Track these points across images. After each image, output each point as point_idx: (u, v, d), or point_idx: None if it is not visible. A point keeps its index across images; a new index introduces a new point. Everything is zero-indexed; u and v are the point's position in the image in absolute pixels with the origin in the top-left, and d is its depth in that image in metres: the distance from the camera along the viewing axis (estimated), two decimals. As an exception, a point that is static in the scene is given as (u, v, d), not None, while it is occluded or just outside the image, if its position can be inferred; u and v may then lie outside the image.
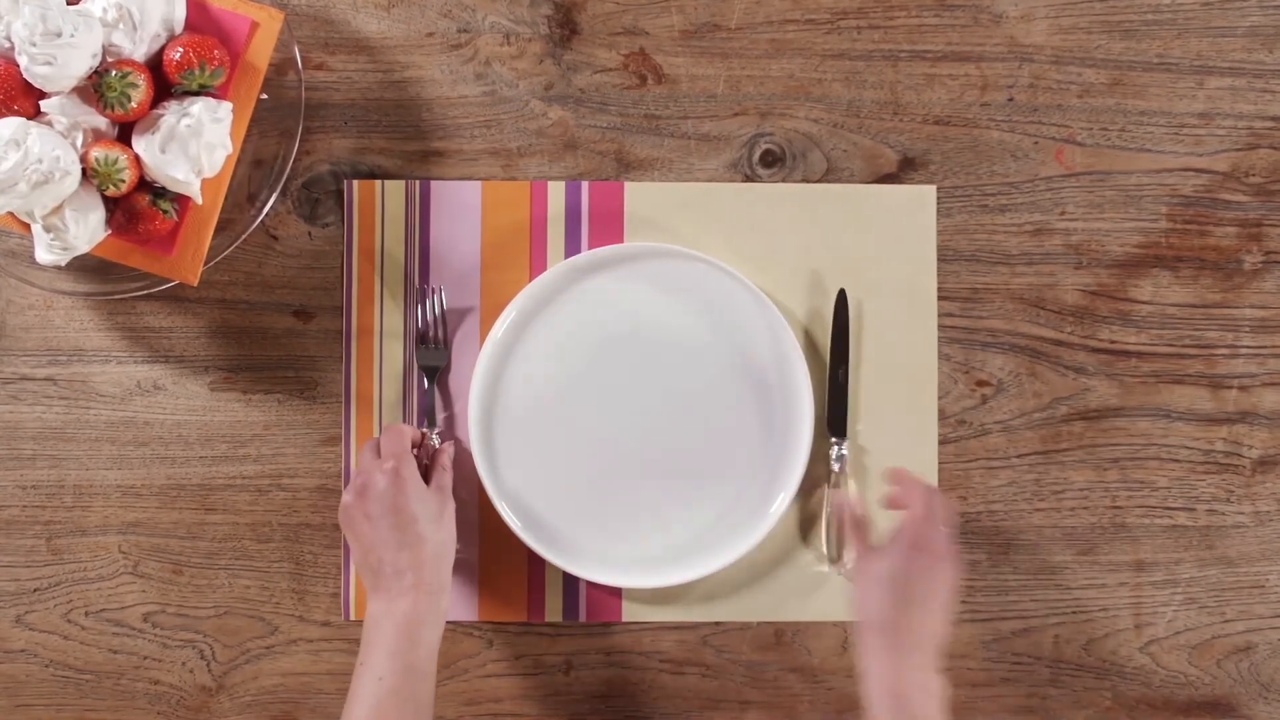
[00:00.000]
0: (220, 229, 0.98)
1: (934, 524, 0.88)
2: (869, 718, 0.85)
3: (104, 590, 1.02)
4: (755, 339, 1.01)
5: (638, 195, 1.02)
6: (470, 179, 1.02)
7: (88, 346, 1.02)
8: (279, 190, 1.00)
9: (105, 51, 0.90)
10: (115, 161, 0.90)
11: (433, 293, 1.01)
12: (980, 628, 1.02)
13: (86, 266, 0.99)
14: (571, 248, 1.02)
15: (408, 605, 0.88)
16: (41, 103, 0.90)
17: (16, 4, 0.88)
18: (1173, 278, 1.03)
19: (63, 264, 0.93)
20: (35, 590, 1.02)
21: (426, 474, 0.97)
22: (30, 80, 0.88)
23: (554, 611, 1.01)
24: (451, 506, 0.94)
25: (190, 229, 0.96)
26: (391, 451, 0.93)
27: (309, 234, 1.02)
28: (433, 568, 0.90)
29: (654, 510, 1.01)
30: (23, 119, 0.89)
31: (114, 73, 0.89)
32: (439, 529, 0.92)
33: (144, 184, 0.93)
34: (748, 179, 1.03)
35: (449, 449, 0.98)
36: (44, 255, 0.93)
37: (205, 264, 0.97)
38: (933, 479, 1.02)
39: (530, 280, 1.01)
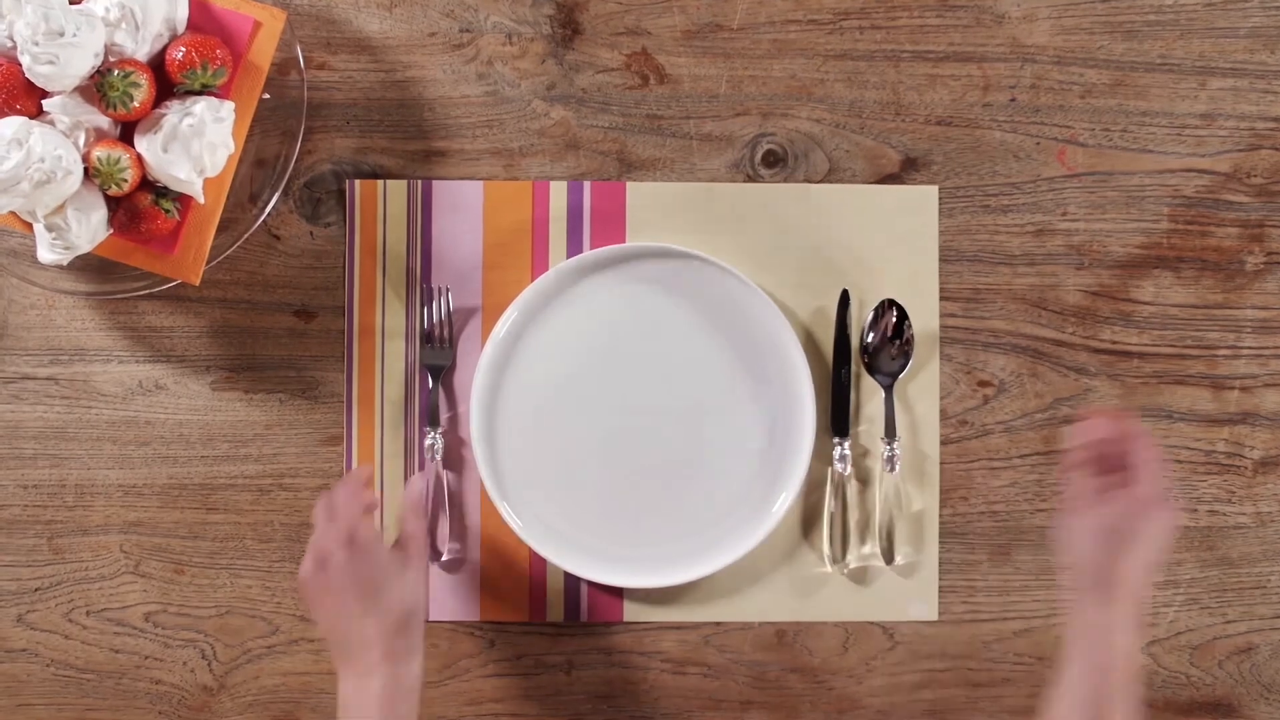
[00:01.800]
0: (222, 228, 0.98)
1: (1153, 469, 0.82)
2: (1066, 662, 0.81)
3: (105, 590, 1.02)
4: (757, 339, 1.01)
5: (640, 195, 1.02)
6: (472, 179, 1.02)
7: (89, 346, 1.02)
8: (281, 190, 1.00)
9: (107, 51, 0.90)
10: (117, 161, 0.90)
11: (439, 293, 1.01)
12: (982, 628, 1.02)
13: (88, 266, 0.99)
14: (573, 248, 1.02)
15: (380, 683, 0.84)
16: (44, 102, 0.90)
17: (19, 3, 0.88)
18: (1174, 278, 1.03)
19: (65, 263, 0.93)
20: (36, 590, 1.02)
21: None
22: (32, 79, 0.88)
23: (555, 611, 1.01)
24: (419, 562, 0.90)
25: (192, 228, 0.96)
26: (346, 516, 0.88)
27: (311, 234, 1.02)
28: (401, 635, 0.86)
29: (655, 510, 1.01)
30: (25, 118, 0.89)
31: (116, 72, 0.89)
32: (404, 593, 0.87)
33: (146, 183, 0.93)
34: (750, 179, 1.03)
35: (416, 485, 0.93)
36: (46, 254, 0.93)
37: (207, 263, 0.97)
38: (934, 479, 1.02)
39: (532, 280, 1.01)
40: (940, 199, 1.02)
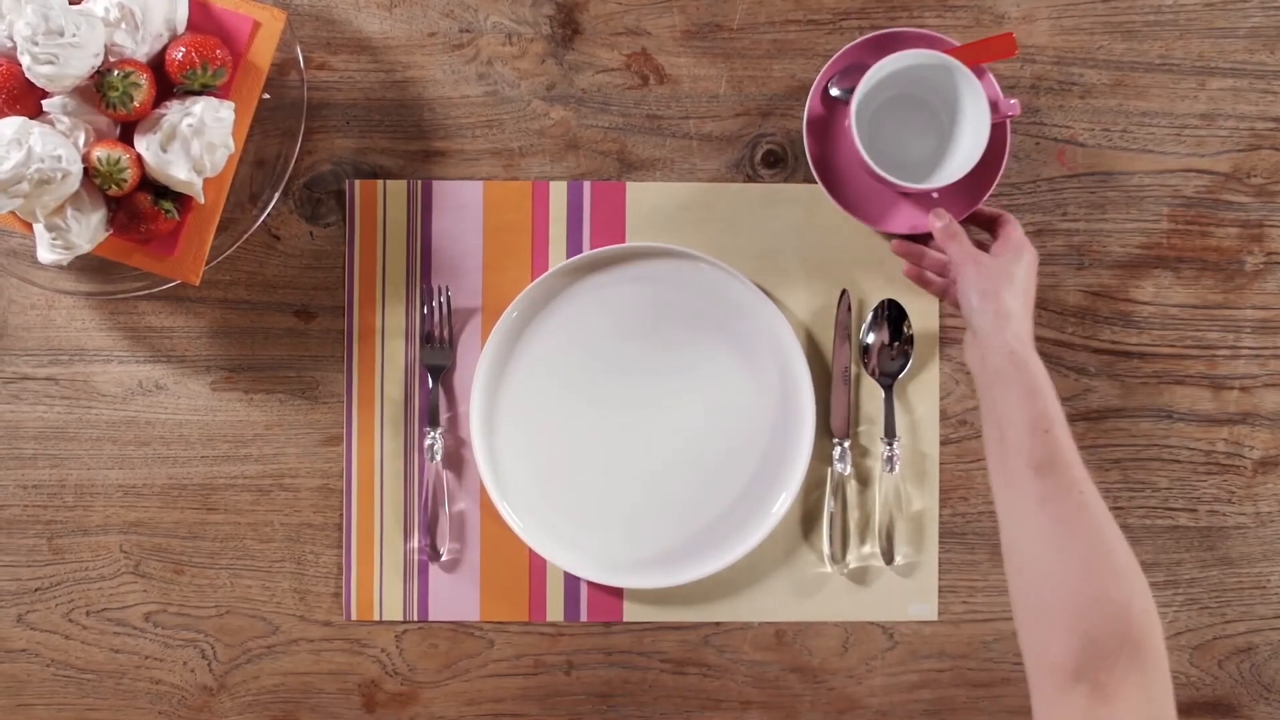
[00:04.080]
0: (222, 229, 0.98)
1: (1008, 223, 0.95)
2: (993, 389, 0.87)
3: (105, 590, 1.02)
4: (757, 339, 1.01)
5: (639, 195, 1.02)
6: (472, 179, 1.02)
7: (89, 346, 1.02)
8: (281, 190, 1.00)
9: (107, 51, 0.90)
10: (117, 161, 0.90)
11: (439, 292, 1.01)
12: (981, 628, 1.02)
13: (88, 266, 0.99)
14: (573, 248, 1.02)
15: None
16: (43, 102, 0.90)
17: (19, 3, 0.88)
18: (1174, 278, 1.03)
19: (64, 263, 0.93)
20: (36, 590, 1.02)
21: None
22: (32, 80, 0.88)
23: (555, 611, 1.02)
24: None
25: (192, 229, 0.96)
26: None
27: (311, 234, 1.02)
28: None
29: (655, 510, 1.01)
30: (25, 118, 0.89)
31: (116, 72, 0.89)
32: None
33: (146, 183, 0.93)
34: (750, 179, 1.03)
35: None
36: (46, 255, 0.93)
37: (207, 264, 0.97)
38: (934, 479, 1.02)
39: (532, 280, 1.01)
40: (940, 199, 1.02)
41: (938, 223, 0.95)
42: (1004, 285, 0.90)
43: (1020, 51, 1.02)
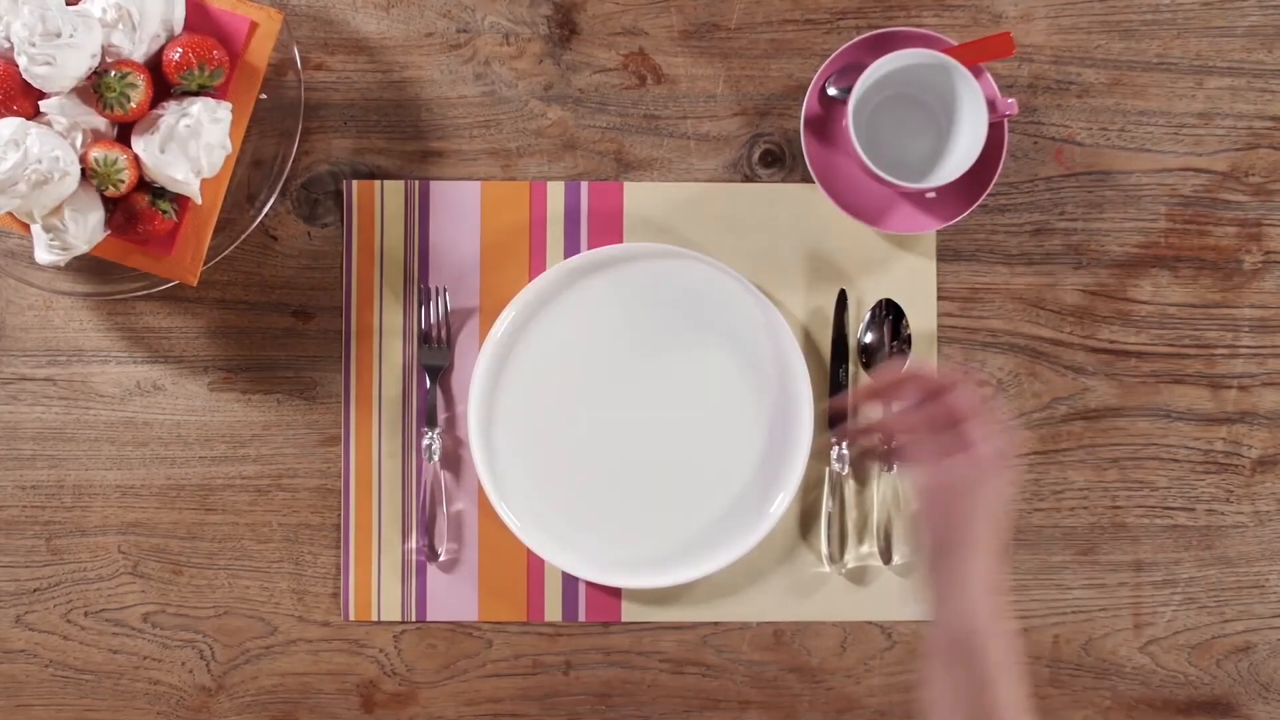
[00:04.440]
0: (220, 229, 0.98)
1: (983, 424, 0.73)
2: (931, 664, 0.73)
3: (103, 590, 1.02)
4: (755, 339, 1.01)
5: (637, 195, 1.02)
6: (469, 179, 1.02)
7: (87, 347, 1.02)
8: (278, 190, 1.00)
9: (104, 52, 0.90)
10: (114, 162, 0.90)
11: (437, 293, 1.01)
12: (980, 628, 1.02)
13: (86, 267, 0.99)
14: (571, 248, 1.02)
15: None
16: (41, 103, 0.90)
17: (16, 4, 0.88)
18: (1172, 277, 1.03)
19: (62, 264, 0.93)
20: (35, 590, 1.02)
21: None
22: (29, 80, 0.89)
23: (554, 611, 1.02)
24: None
25: (189, 229, 0.96)
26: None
27: (308, 234, 1.02)
28: None
29: (654, 510, 1.01)
30: (22, 119, 0.89)
31: (113, 73, 0.89)
32: None
33: (143, 184, 0.93)
34: (747, 179, 1.03)
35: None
36: (43, 255, 0.93)
37: (205, 264, 0.97)
38: (932, 479, 1.02)
39: (530, 280, 1.01)
40: (938, 198, 1.02)
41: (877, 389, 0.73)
42: (963, 526, 0.71)
43: (1018, 51, 1.02)
